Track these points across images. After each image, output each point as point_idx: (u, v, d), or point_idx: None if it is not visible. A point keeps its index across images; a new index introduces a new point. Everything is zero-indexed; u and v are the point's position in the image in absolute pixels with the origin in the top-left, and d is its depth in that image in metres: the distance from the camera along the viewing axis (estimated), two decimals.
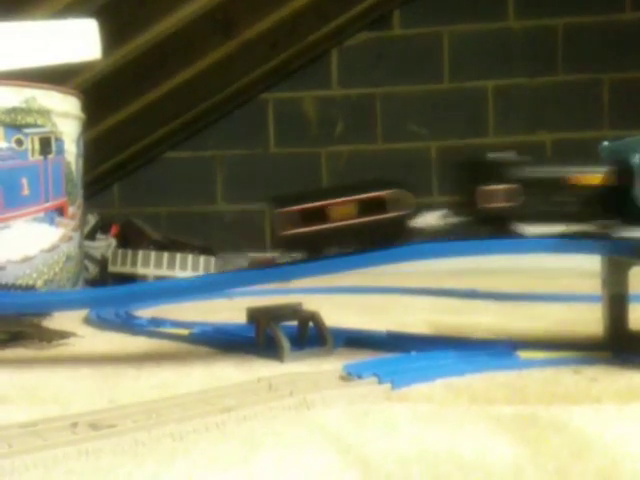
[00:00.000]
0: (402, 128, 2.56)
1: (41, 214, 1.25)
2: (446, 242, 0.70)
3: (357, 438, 0.46)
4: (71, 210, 1.31)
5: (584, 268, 0.98)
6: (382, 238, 0.76)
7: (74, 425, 0.47)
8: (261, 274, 0.71)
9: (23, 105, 1.25)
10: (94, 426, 0.48)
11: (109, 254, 1.70)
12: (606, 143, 0.73)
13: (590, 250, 0.71)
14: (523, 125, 2.53)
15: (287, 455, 0.43)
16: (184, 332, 0.88)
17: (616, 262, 0.70)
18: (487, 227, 0.69)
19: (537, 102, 2.53)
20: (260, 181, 2.58)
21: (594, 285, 0.77)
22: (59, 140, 1.30)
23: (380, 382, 0.58)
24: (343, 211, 0.74)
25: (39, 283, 1.23)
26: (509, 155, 0.70)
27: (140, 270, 1.61)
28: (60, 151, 1.30)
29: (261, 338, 0.76)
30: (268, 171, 2.58)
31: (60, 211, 1.28)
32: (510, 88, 2.53)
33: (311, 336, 0.77)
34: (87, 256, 1.62)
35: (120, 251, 1.67)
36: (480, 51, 2.53)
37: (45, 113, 1.28)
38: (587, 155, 0.76)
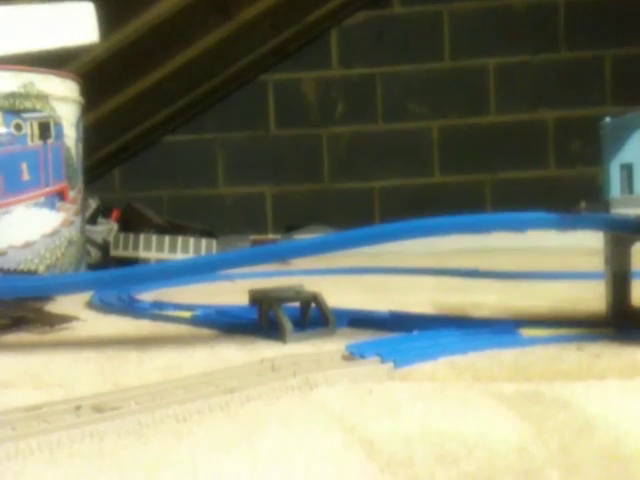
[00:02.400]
0: (403, 108, 2.54)
1: (42, 199, 1.25)
2: (444, 218, 0.70)
3: (360, 417, 0.46)
4: (72, 194, 1.31)
5: (587, 246, 0.98)
6: None
7: (78, 408, 0.48)
8: (260, 253, 0.71)
9: (21, 90, 1.24)
10: (98, 409, 0.48)
11: (111, 238, 1.70)
12: (608, 120, 0.72)
13: (592, 226, 0.71)
14: (525, 103, 2.51)
15: (291, 435, 0.43)
16: (186, 315, 0.88)
17: (619, 239, 0.69)
18: None
19: (539, 80, 2.51)
20: (261, 163, 2.57)
21: (597, 262, 0.77)
22: (58, 124, 1.29)
23: (383, 361, 0.58)
24: None
25: (41, 268, 1.23)
26: None
27: (142, 254, 1.61)
28: (59, 136, 1.29)
29: (263, 320, 0.76)
30: (269, 153, 2.57)
31: (61, 196, 1.28)
32: (511, 66, 2.51)
33: (313, 317, 0.77)
34: (89, 240, 1.62)
35: (122, 235, 1.67)
36: (481, 29, 2.51)
37: (43, 98, 1.27)
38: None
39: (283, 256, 0.72)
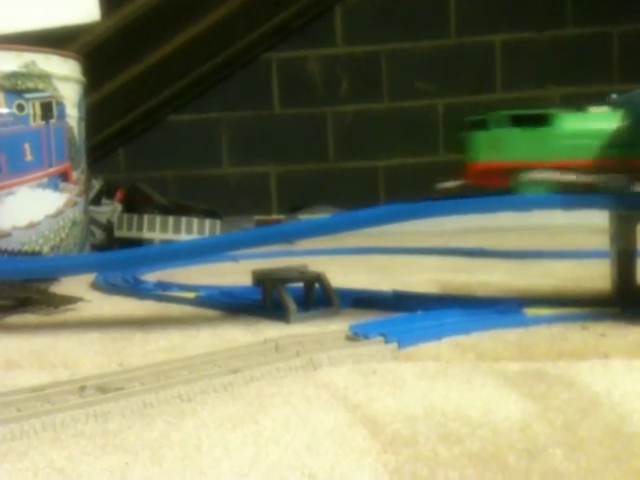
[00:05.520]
0: (408, 86, 2.52)
1: (45, 180, 1.25)
2: (454, 200, 0.69)
3: (364, 396, 0.46)
4: (75, 175, 1.30)
5: (592, 224, 0.98)
6: None
7: (82, 388, 0.48)
8: (265, 234, 0.71)
9: (23, 70, 1.24)
10: (102, 389, 0.48)
11: (115, 219, 1.70)
12: (614, 96, 0.71)
13: (598, 205, 0.70)
14: (532, 80, 2.49)
15: (294, 414, 0.43)
16: (191, 295, 0.88)
17: (624, 217, 0.69)
18: None
19: (546, 56, 2.48)
20: (265, 143, 2.56)
21: (602, 241, 0.76)
22: (60, 104, 1.28)
23: (387, 342, 0.58)
24: None
25: (45, 249, 1.23)
26: None
27: (146, 234, 1.61)
28: (62, 115, 1.29)
29: (267, 300, 0.76)
30: (273, 133, 2.56)
31: (64, 176, 1.28)
32: (518, 43, 2.48)
33: (317, 297, 0.77)
34: (93, 221, 1.62)
35: (126, 216, 1.67)
36: (487, 5, 2.47)
37: (45, 77, 1.26)
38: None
39: (288, 237, 0.72)
